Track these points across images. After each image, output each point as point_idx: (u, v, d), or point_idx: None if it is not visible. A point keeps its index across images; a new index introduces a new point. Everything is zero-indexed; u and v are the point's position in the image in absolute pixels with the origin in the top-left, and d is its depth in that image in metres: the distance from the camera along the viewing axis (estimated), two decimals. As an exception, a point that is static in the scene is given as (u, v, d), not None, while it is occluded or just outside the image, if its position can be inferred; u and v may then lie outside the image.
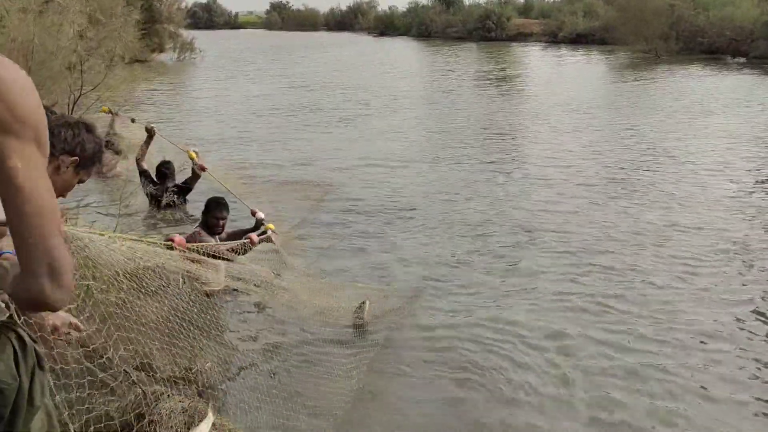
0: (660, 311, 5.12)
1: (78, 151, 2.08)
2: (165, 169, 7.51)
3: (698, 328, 4.86)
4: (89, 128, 2.13)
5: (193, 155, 6.92)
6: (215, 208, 5.24)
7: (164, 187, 7.39)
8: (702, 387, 4.10)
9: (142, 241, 3.14)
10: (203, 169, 6.88)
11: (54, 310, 1.25)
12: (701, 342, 4.66)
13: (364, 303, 4.80)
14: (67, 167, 2.02)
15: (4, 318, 1.27)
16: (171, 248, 3.43)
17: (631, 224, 7.24)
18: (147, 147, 7.51)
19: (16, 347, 1.24)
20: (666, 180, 9.10)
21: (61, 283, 1.17)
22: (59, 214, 1.19)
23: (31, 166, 1.14)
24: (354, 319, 4.72)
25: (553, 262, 6.17)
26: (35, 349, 1.29)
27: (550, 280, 5.74)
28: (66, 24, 7.22)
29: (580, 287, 5.57)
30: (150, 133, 7.47)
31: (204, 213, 5.31)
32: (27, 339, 1.28)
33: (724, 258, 6.22)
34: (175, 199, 7.34)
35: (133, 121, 8.22)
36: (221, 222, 5.25)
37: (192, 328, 3.46)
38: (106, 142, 7.52)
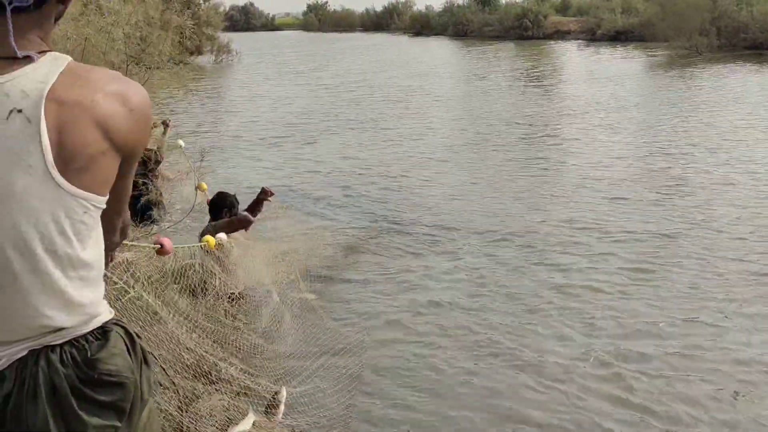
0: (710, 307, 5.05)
1: None
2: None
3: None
4: None
5: (204, 187, 5.91)
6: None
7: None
8: None
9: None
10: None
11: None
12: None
13: (278, 392, 3.48)
14: None
15: (111, 316, 1.33)
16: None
17: (673, 224, 7.14)
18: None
19: (127, 343, 1.31)
20: (710, 180, 8.94)
21: (124, 237, 1.54)
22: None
23: (132, 179, 1.38)
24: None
25: (600, 265, 6.12)
26: (141, 346, 1.35)
27: (597, 288, 5.61)
28: (117, 28, 7.43)
29: (634, 297, 5.46)
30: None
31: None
32: (134, 335, 1.35)
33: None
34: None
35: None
36: None
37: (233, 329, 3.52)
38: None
